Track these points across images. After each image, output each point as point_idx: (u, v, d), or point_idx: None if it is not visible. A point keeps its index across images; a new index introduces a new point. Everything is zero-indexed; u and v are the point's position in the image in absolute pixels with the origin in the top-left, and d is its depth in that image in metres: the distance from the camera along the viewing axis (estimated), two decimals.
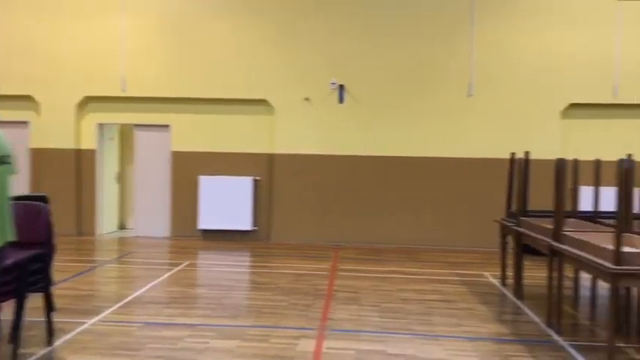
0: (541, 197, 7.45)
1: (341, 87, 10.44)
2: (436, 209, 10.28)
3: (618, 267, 4.08)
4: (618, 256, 4.11)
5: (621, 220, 4.20)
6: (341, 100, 10.47)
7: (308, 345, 4.86)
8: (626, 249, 4.59)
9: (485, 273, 8.03)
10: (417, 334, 5.23)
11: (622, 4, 9.85)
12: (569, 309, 6.18)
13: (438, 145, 10.27)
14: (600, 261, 4.28)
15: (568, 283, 6.78)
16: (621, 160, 4.36)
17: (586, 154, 7.52)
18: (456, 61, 10.21)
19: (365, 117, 10.42)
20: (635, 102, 9.86)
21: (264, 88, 10.52)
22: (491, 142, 9.95)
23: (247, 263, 9.10)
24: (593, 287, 6.64)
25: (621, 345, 4.95)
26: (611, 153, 6.68)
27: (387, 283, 7.34)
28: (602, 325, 5.65)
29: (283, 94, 10.51)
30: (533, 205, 7.03)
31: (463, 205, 10.17)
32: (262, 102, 10.57)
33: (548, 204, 6.00)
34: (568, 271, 6.85)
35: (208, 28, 10.54)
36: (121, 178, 11.67)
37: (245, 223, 10.56)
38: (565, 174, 5.24)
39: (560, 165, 5.23)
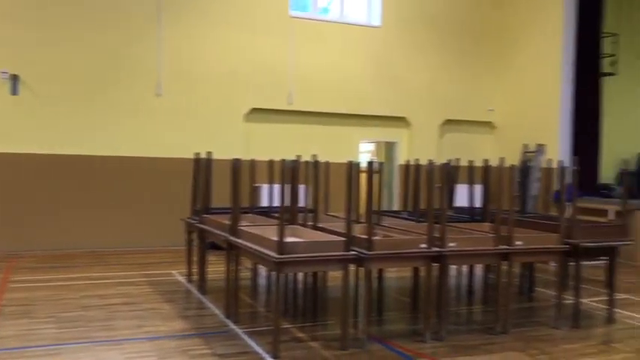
0: (228, 195, 7.81)
1: (14, 77, 9.36)
2: (125, 210, 10.00)
3: (281, 256, 4.54)
4: (281, 246, 4.57)
5: (284, 214, 4.68)
6: (14, 91, 9.37)
7: None
8: (290, 239, 5.14)
9: (173, 271, 8.12)
10: (96, 342, 4.99)
11: (295, 20, 11.01)
12: (248, 298, 6.65)
13: (126, 143, 10.00)
14: (267, 251, 4.70)
15: (248, 274, 7.33)
16: (284, 160, 4.86)
17: (265, 155, 8.09)
18: (145, 59, 10.09)
19: (44, 112, 9.55)
20: (305, 109, 11.12)
21: None
22: (180, 141, 10.08)
23: None
24: (269, 276, 7.28)
25: (288, 326, 5.53)
26: (287, 153, 7.31)
27: (68, 291, 6.85)
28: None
29: None
30: (221, 202, 7.33)
31: (153, 205, 10.10)
32: None
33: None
34: (248, 263, 7.39)
35: None
36: None
37: None
38: (240, 173, 5.62)
39: (235, 165, 5.59)
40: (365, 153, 13.16)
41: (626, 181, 6.02)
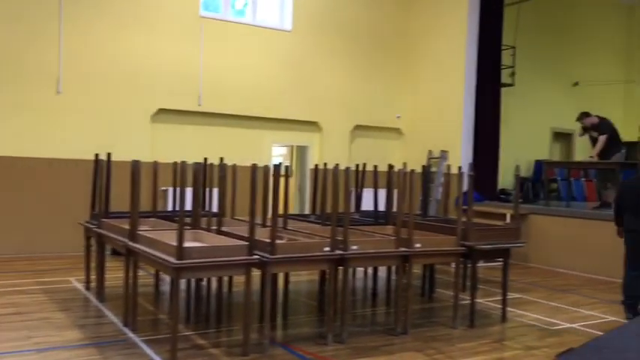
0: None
1: None
2: (20, 213, 9.39)
3: (179, 261, 4.42)
4: (180, 251, 4.45)
5: (183, 218, 4.55)
6: None
7: None
8: (191, 244, 5.02)
9: (71, 278, 7.71)
10: None
11: (205, 20, 10.82)
12: (149, 305, 6.43)
13: (23, 143, 9.40)
14: (165, 257, 4.56)
15: (151, 280, 7.12)
16: (183, 163, 4.74)
17: (173, 157, 7.84)
18: (44, 55, 9.53)
19: None
20: (216, 111, 10.94)
21: None
22: (82, 142, 9.60)
23: None
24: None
25: (189, 333, 5.40)
26: (196, 156, 7.11)
27: None
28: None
29: None
30: (126, 206, 7.03)
31: (51, 208, 9.55)
32: None
33: (142, 205, 6.09)
34: (152, 269, 7.17)
35: None
36: None
37: None
38: (140, 175, 5.42)
39: (135, 166, 5.39)
40: (278, 156, 13.14)
41: (517, 186, 6.35)
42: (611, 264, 8.60)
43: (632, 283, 6.28)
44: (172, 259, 4.45)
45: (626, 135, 13.70)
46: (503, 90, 12.74)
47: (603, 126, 10.27)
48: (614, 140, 10.20)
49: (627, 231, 6.29)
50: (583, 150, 13.66)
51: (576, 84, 15.33)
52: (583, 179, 14.50)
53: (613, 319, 6.46)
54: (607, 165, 10.06)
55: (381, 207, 7.34)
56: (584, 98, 14.45)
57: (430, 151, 12.11)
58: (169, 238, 4.83)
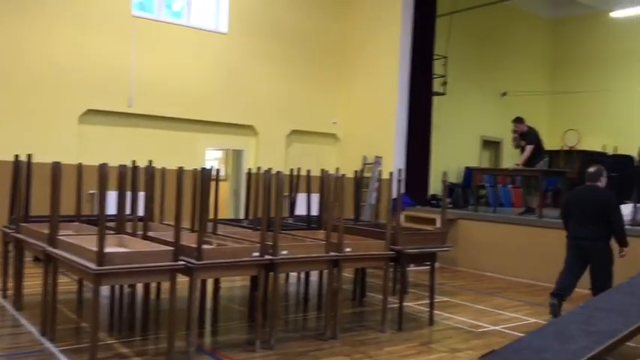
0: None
1: None
2: None
3: (99, 267, 4.25)
4: (101, 257, 4.28)
5: (103, 222, 4.38)
6: None
7: None
8: (114, 249, 4.85)
9: None
10: None
11: (138, 20, 10.54)
12: (71, 314, 6.16)
13: None
14: (84, 262, 4.38)
15: (75, 287, 6.83)
16: (102, 165, 4.57)
17: (102, 160, 7.53)
18: None
19: None
20: (147, 113, 10.67)
21: None
22: (4, 142, 9.13)
23: None
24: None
25: (111, 342, 5.21)
26: (126, 159, 6.87)
27: None
28: (101, 326, 5.82)
29: None
30: (47, 210, 6.72)
31: None
32: None
33: (67, 209, 5.84)
34: (75, 276, 6.88)
35: None
36: None
37: None
38: (60, 177, 5.20)
39: (55, 168, 5.17)
40: (214, 160, 12.95)
41: (445, 193, 6.49)
42: (535, 267, 8.96)
43: (566, 281, 6.51)
44: (92, 265, 4.27)
45: (550, 144, 14.37)
46: (435, 98, 13.05)
47: (530, 136, 10.65)
48: (538, 149, 10.62)
49: (571, 237, 6.58)
50: (511, 157, 14.17)
51: (504, 94, 15.92)
52: (510, 186, 15.05)
53: (535, 321, 6.70)
54: (531, 172, 10.46)
55: (315, 211, 7.35)
56: (512, 108, 15.00)
57: (365, 157, 12.26)
58: (90, 243, 4.64)
